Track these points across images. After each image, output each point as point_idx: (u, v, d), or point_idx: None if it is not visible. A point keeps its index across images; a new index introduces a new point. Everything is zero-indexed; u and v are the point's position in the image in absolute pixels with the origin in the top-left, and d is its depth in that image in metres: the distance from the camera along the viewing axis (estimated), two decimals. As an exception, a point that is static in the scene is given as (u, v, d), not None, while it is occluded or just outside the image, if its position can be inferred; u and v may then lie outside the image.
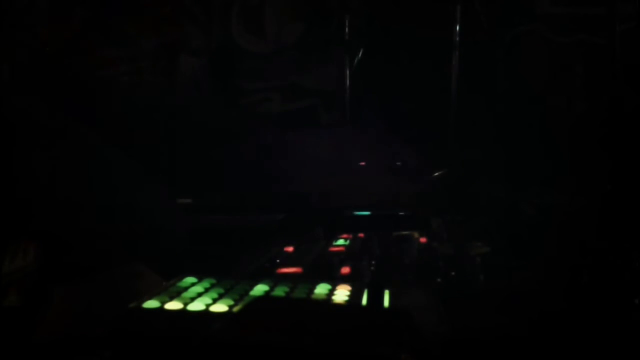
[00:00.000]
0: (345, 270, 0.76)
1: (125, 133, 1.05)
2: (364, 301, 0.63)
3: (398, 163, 1.06)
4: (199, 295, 0.63)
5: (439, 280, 0.73)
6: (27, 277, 0.69)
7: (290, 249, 0.88)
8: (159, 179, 1.12)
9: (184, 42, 1.22)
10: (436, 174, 1.23)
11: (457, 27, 1.40)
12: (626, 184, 1.03)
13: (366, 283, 0.68)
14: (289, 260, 0.82)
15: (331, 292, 0.65)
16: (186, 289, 0.65)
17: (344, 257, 0.82)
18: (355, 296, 0.63)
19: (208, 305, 0.60)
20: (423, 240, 0.92)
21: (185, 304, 0.60)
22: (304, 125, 1.41)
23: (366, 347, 0.42)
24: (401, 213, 1.04)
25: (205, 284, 0.66)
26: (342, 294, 0.64)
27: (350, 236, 0.94)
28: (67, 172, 0.86)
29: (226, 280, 0.67)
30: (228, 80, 1.35)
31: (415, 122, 1.43)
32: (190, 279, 0.68)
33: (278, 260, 0.81)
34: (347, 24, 1.42)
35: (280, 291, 0.65)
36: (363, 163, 1.28)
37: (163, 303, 0.60)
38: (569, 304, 0.67)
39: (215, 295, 0.62)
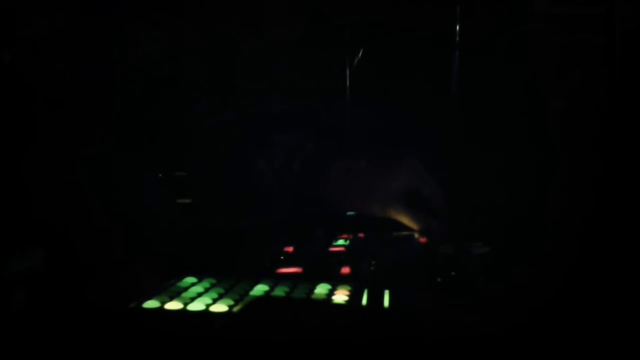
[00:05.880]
0: (345, 270, 0.77)
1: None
2: (364, 301, 0.63)
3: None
4: (199, 295, 0.63)
5: (439, 280, 0.73)
6: (34, 278, 0.69)
7: (290, 249, 0.88)
8: (159, 178, 1.12)
9: (183, 42, 1.22)
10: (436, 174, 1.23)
11: (457, 27, 1.40)
12: (625, 184, 1.03)
13: (366, 283, 0.68)
14: (289, 260, 0.82)
15: (331, 292, 0.65)
16: (186, 289, 0.65)
17: (344, 257, 0.82)
18: (355, 296, 0.63)
19: (208, 305, 0.60)
20: (423, 240, 0.92)
21: (185, 304, 0.60)
22: (303, 125, 1.41)
23: (366, 347, 0.42)
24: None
25: (205, 284, 0.66)
26: (342, 294, 0.64)
27: (350, 236, 0.94)
28: (67, 170, 0.86)
29: (226, 280, 0.68)
30: (227, 80, 1.36)
31: (416, 123, 1.43)
32: (190, 279, 0.68)
33: (275, 262, 0.82)
34: (346, 24, 1.42)
35: (280, 291, 0.65)
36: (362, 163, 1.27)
37: (163, 303, 0.60)
38: (568, 303, 0.67)
39: (215, 295, 0.62)
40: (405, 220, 0.99)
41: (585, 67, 1.36)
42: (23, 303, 0.66)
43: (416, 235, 0.95)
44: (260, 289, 0.65)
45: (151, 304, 0.60)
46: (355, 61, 1.45)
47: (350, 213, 1.05)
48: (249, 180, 1.04)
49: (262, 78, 1.39)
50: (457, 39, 1.40)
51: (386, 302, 0.63)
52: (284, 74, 1.42)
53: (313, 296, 0.64)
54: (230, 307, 0.59)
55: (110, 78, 1.01)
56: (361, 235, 0.95)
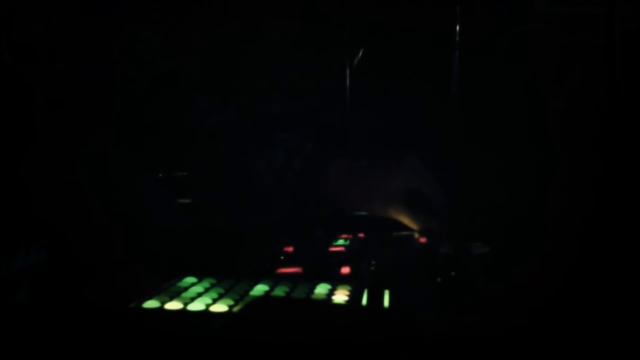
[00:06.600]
0: (345, 270, 0.77)
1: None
2: (364, 301, 0.63)
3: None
4: (199, 295, 0.63)
5: (439, 280, 0.73)
6: (37, 276, 0.69)
7: (290, 249, 0.88)
8: (159, 178, 1.13)
9: (183, 42, 1.22)
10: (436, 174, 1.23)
11: (457, 27, 1.40)
12: (626, 184, 1.03)
13: (366, 283, 0.68)
14: (289, 260, 0.82)
15: (331, 292, 0.65)
16: (186, 289, 0.65)
17: (344, 257, 0.82)
18: (355, 296, 0.63)
19: (208, 305, 0.60)
20: (423, 240, 0.92)
21: (185, 304, 0.60)
22: (303, 125, 1.41)
23: (366, 347, 0.42)
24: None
25: (205, 284, 0.66)
26: (342, 294, 0.64)
27: (350, 236, 0.94)
28: (67, 170, 0.86)
29: (226, 280, 0.68)
30: (227, 80, 1.36)
31: (415, 123, 1.43)
32: (190, 279, 0.68)
33: (275, 262, 0.82)
34: (346, 24, 1.42)
35: (280, 291, 0.65)
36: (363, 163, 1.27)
37: (163, 303, 0.60)
38: (568, 303, 0.67)
39: (215, 295, 0.62)
40: (405, 220, 0.99)
41: (585, 67, 1.36)
42: (25, 300, 0.66)
43: (416, 235, 0.95)
44: (260, 289, 0.65)
45: (151, 304, 0.60)
46: (355, 61, 1.45)
47: (362, 213, 1.04)
48: (249, 180, 1.04)
49: (262, 78, 1.39)
50: (457, 39, 1.40)
51: (386, 302, 0.63)
52: (284, 74, 1.42)
53: (313, 296, 0.64)
54: (230, 307, 0.59)
55: (110, 78, 1.01)
56: (361, 235, 0.95)
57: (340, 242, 0.91)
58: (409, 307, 0.65)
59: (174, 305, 0.60)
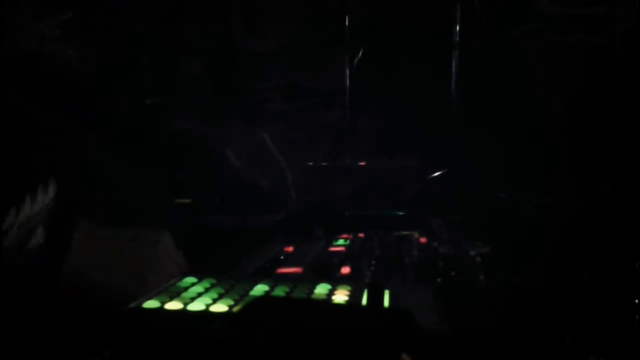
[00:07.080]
0: (345, 270, 0.76)
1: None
2: (364, 301, 0.63)
3: None
4: (199, 295, 0.63)
5: (439, 280, 0.73)
6: (50, 213, 0.69)
7: (290, 249, 0.88)
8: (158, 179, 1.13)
9: (184, 42, 1.22)
10: (436, 174, 1.23)
11: (457, 27, 1.41)
12: (626, 184, 1.03)
13: (366, 283, 0.68)
14: (289, 260, 0.82)
15: (331, 292, 0.65)
16: (186, 289, 0.65)
17: (344, 257, 0.82)
18: (355, 296, 0.63)
19: (208, 305, 0.60)
20: (423, 240, 0.92)
21: (185, 304, 0.60)
22: (303, 125, 1.41)
23: (366, 347, 0.42)
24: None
25: (205, 284, 0.66)
26: (342, 294, 0.64)
27: (350, 236, 0.94)
28: (67, 172, 0.86)
29: (226, 280, 0.68)
30: (228, 80, 1.36)
31: (416, 123, 1.43)
32: (190, 279, 0.68)
33: (275, 262, 0.81)
34: (347, 24, 1.42)
35: (280, 291, 0.65)
36: (363, 163, 1.28)
37: (163, 303, 0.60)
38: (568, 303, 0.67)
39: (215, 295, 0.62)
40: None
41: (586, 67, 1.36)
42: (43, 240, 0.66)
43: (416, 235, 0.95)
44: (260, 289, 0.65)
45: (151, 304, 0.60)
46: (355, 61, 1.45)
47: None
48: (249, 180, 1.04)
49: (262, 78, 1.39)
50: (457, 39, 1.40)
51: (386, 302, 0.63)
52: (284, 74, 1.42)
53: (313, 296, 0.64)
54: (230, 307, 0.59)
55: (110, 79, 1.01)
56: (361, 235, 0.95)
57: (340, 242, 0.91)
58: (409, 307, 0.65)
59: (174, 305, 0.60)
